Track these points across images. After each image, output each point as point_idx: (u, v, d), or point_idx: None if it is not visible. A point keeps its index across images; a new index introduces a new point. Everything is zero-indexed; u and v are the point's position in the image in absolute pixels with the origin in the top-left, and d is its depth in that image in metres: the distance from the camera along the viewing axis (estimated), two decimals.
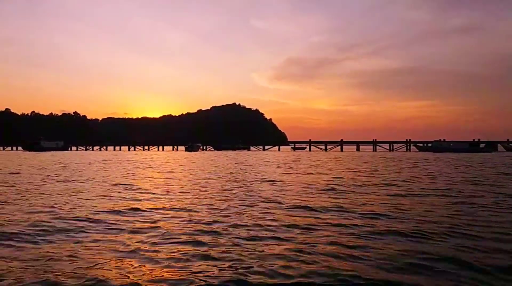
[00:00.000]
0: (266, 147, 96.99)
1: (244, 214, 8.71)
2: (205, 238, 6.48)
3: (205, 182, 16.35)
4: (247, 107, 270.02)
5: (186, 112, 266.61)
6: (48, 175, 20.02)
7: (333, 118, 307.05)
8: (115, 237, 6.68)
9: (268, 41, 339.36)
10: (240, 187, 14.33)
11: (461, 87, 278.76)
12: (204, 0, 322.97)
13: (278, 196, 11.51)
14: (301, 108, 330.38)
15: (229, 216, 8.48)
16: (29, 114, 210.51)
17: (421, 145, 74.78)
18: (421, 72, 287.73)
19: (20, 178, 18.35)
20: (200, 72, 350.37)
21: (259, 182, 16.23)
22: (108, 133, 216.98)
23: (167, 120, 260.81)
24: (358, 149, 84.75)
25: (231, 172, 21.90)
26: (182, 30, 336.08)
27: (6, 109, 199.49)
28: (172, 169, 25.51)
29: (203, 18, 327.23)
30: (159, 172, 22.75)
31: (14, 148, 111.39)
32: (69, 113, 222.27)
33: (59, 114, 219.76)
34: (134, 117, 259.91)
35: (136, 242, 6.25)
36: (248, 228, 7.28)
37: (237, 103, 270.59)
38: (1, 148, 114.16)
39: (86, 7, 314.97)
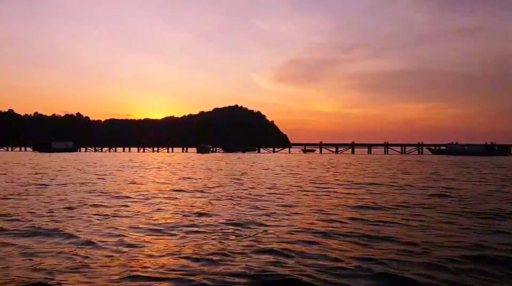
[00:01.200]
0: (276, 149, 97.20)
1: None
2: None
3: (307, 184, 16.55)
4: (249, 109, 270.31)
5: (188, 113, 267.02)
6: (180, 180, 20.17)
7: (334, 120, 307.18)
8: None
9: (268, 42, 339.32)
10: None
11: (463, 88, 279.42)
12: (205, 0, 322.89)
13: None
14: (301, 109, 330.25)
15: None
16: (32, 115, 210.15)
17: (434, 148, 75.20)
18: (422, 73, 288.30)
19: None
20: (201, 73, 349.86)
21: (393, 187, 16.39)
22: (111, 134, 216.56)
23: (169, 121, 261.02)
24: (370, 152, 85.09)
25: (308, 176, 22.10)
26: (183, 30, 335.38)
27: (9, 110, 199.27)
28: (238, 170, 25.68)
29: (204, 18, 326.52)
30: (234, 175, 22.91)
31: (23, 149, 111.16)
32: (72, 114, 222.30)
33: (62, 115, 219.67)
34: (136, 119, 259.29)
35: None
36: None
37: (238, 105, 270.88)
38: (10, 149, 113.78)
39: (88, 8, 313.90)
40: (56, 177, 20.22)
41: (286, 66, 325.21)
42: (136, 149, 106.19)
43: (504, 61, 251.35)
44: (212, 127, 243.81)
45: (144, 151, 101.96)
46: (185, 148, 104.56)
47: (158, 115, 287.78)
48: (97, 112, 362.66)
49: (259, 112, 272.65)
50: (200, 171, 25.56)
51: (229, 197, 12.50)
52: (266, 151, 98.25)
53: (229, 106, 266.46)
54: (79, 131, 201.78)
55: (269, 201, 11.69)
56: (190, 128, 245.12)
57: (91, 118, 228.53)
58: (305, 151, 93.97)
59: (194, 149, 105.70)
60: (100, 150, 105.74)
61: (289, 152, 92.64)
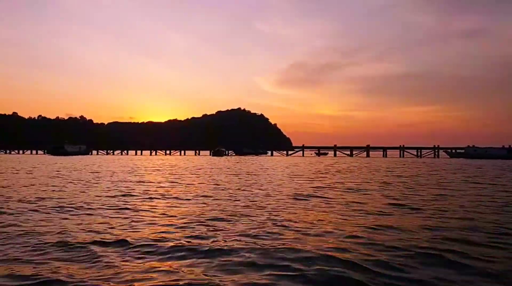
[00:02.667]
0: (289, 153, 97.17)
1: None
2: None
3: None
4: (252, 111, 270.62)
5: (191, 116, 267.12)
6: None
7: (337, 123, 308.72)
8: None
9: (271, 45, 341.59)
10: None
11: (467, 91, 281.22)
12: (209, 4, 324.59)
13: None
14: (304, 113, 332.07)
15: None
16: (36, 118, 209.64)
17: (451, 151, 75.28)
18: (425, 76, 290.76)
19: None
20: (204, 76, 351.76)
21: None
22: (114, 137, 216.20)
23: (172, 124, 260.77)
24: (385, 155, 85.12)
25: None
26: (187, 34, 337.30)
27: (14, 113, 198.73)
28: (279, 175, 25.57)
29: (208, 22, 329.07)
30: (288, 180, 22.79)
31: (34, 152, 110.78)
32: (75, 117, 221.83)
33: (66, 118, 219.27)
34: (139, 122, 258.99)
35: None
36: None
37: (242, 108, 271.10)
38: (21, 152, 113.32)
39: (92, 11, 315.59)
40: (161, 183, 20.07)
41: (289, 70, 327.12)
42: (148, 152, 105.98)
43: (508, 63, 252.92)
44: (216, 130, 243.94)
45: (156, 154, 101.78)
46: (197, 151, 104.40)
47: (161, 118, 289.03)
48: (100, 115, 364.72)
49: (262, 115, 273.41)
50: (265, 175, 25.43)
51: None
52: (279, 154, 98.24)
53: (232, 109, 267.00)
54: (82, 134, 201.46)
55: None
56: (193, 131, 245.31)
57: (95, 121, 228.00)
58: (318, 154, 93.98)
59: (206, 152, 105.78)
60: (112, 153, 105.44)
61: (303, 155, 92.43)
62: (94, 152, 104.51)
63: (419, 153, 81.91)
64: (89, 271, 5.20)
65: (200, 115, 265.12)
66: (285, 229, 7.78)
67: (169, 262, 5.62)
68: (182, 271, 5.21)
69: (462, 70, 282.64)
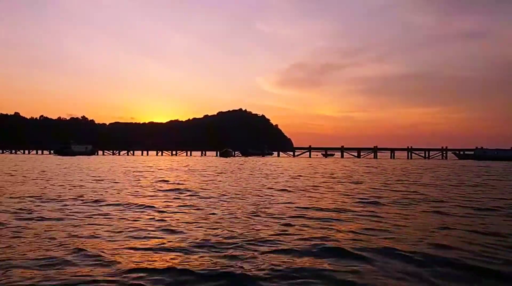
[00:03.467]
0: (296, 153, 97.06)
1: None
2: None
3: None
4: (253, 112, 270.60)
5: (193, 117, 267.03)
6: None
7: (337, 124, 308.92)
8: None
9: (273, 46, 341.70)
10: None
11: (467, 92, 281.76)
12: (210, 4, 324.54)
13: None
14: (305, 113, 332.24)
15: None
16: (38, 118, 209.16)
17: (460, 153, 75.41)
18: (425, 77, 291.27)
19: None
20: (205, 76, 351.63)
21: None
22: (116, 137, 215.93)
23: (173, 125, 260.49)
24: (392, 157, 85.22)
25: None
26: (188, 34, 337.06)
27: (16, 113, 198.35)
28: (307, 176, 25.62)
29: (208, 23, 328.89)
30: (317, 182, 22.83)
31: (40, 152, 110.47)
32: (77, 117, 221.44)
33: (67, 118, 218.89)
34: (141, 122, 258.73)
35: None
36: None
37: (243, 109, 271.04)
38: (26, 152, 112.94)
39: (93, 12, 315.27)
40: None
41: (290, 70, 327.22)
42: (154, 152, 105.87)
43: (509, 65, 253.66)
44: (217, 130, 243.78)
45: (162, 155, 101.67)
46: (204, 152, 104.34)
47: (163, 119, 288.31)
48: (102, 115, 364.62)
49: (263, 116, 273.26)
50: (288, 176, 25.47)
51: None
52: (286, 155, 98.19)
53: (234, 110, 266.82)
54: (84, 134, 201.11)
55: None
56: (195, 131, 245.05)
57: (96, 121, 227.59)
58: (326, 155, 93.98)
59: (211, 153, 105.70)
60: (118, 154, 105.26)
61: (310, 156, 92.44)
62: (100, 152, 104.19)
63: (426, 154, 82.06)
64: None
65: (201, 116, 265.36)
66: None
67: None
68: None
69: (463, 71, 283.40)
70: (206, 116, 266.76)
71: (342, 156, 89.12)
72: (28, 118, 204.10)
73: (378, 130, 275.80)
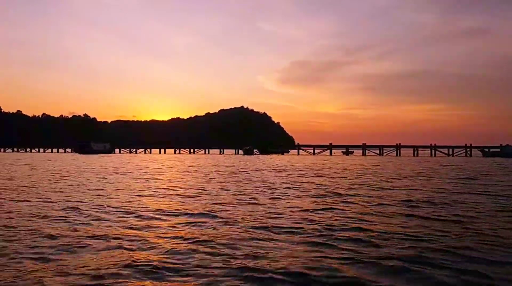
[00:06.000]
0: (316, 151, 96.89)
1: None
2: None
3: None
4: (255, 110, 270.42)
5: (194, 115, 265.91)
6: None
7: (340, 122, 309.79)
8: None
9: (274, 44, 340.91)
10: None
11: (470, 90, 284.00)
12: (211, 3, 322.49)
13: None
14: (307, 111, 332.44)
15: None
16: (40, 116, 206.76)
17: (486, 150, 75.97)
18: (428, 75, 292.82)
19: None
20: (207, 75, 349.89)
21: None
22: (118, 135, 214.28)
23: (175, 122, 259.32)
24: (415, 154, 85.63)
25: None
26: (189, 33, 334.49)
27: (18, 111, 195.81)
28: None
29: (210, 21, 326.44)
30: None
31: (55, 150, 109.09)
32: (79, 115, 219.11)
33: (70, 116, 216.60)
34: (142, 120, 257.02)
35: None
36: None
37: (244, 107, 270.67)
38: (41, 150, 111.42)
39: (95, 11, 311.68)
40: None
41: (292, 68, 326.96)
42: (172, 150, 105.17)
43: (511, 62, 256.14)
44: (219, 128, 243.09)
45: (180, 153, 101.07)
46: (222, 150, 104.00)
47: (165, 117, 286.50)
48: (104, 113, 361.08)
49: (265, 114, 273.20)
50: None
51: None
52: (306, 153, 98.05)
53: (235, 107, 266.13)
54: (87, 132, 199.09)
55: None
56: (196, 129, 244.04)
57: (98, 119, 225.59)
58: (347, 153, 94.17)
59: (230, 151, 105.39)
60: (135, 152, 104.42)
61: (330, 154, 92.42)
62: (117, 150, 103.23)
63: (450, 152, 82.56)
64: None
65: (203, 114, 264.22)
66: None
67: None
68: None
69: (465, 69, 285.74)
70: (207, 113, 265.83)
71: (363, 154, 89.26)
72: (30, 116, 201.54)
73: (381, 128, 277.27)
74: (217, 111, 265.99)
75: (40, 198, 12.58)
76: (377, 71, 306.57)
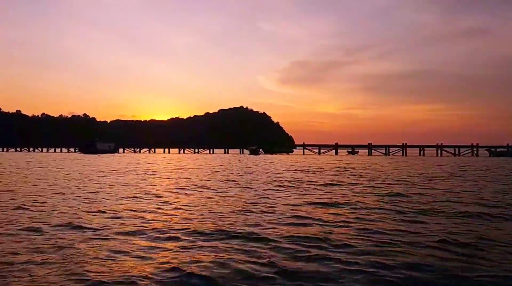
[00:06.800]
0: (322, 150, 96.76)
1: None
2: None
3: None
4: (254, 110, 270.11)
5: (194, 114, 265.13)
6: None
7: (339, 122, 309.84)
8: None
9: (274, 44, 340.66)
10: None
11: (469, 90, 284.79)
12: (211, 3, 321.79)
13: None
14: (307, 111, 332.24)
15: None
16: (39, 116, 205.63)
17: (493, 149, 76.09)
18: (428, 75, 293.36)
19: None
20: (206, 75, 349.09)
21: None
22: (117, 135, 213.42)
23: (175, 122, 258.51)
24: (422, 154, 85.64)
25: None
26: (189, 33, 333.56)
27: (17, 111, 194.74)
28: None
29: (210, 21, 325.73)
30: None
31: (58, 150, 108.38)
32: (78, 115, 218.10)
33: (69, 116, 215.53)
34: (142, 120, 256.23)
35: None
36: None
37: (244, 106, 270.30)
38: (44, 150, 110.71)
39: (95, 11, 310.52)
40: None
41: (292, 68, 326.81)
42: (176, 150, 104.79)
43: (511, 62, 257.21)
44: (218, 128, 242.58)
45: (184, 152, 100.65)
46: (227, 150, 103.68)
47: (164, 116, 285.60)
48: (103, 113, 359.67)
49: (264, 113, 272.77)
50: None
51: None
52: (311, 153, 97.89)
53: (235, 107, 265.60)
54: (86, 132, 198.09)
55: None
56: (196, 129, 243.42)
57: (97, 119, 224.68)
58: (352, 152, 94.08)
59: (234, 151, 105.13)
60: (139, 151, 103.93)
61: (336, 153, 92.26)
62: (120, 150, 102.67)
63: (456, 151, 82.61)
64: None
65: (202, 114, 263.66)
66: None
67: None
68: None
69: (465, 69, 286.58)
70: (207, 113, 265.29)
71: (369, 154, 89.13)
72: (30, 115, 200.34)
73: (381, 128, 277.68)
74: (216, 111, 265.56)
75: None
76: (377, 71, 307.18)
